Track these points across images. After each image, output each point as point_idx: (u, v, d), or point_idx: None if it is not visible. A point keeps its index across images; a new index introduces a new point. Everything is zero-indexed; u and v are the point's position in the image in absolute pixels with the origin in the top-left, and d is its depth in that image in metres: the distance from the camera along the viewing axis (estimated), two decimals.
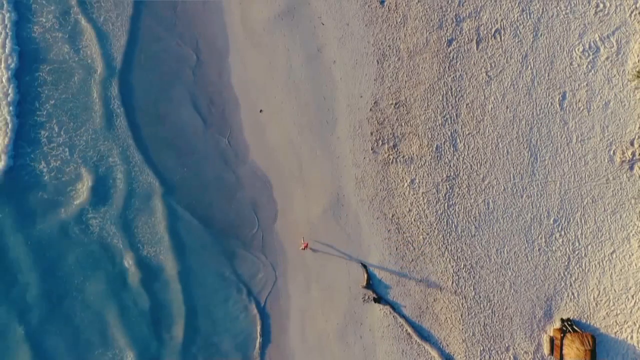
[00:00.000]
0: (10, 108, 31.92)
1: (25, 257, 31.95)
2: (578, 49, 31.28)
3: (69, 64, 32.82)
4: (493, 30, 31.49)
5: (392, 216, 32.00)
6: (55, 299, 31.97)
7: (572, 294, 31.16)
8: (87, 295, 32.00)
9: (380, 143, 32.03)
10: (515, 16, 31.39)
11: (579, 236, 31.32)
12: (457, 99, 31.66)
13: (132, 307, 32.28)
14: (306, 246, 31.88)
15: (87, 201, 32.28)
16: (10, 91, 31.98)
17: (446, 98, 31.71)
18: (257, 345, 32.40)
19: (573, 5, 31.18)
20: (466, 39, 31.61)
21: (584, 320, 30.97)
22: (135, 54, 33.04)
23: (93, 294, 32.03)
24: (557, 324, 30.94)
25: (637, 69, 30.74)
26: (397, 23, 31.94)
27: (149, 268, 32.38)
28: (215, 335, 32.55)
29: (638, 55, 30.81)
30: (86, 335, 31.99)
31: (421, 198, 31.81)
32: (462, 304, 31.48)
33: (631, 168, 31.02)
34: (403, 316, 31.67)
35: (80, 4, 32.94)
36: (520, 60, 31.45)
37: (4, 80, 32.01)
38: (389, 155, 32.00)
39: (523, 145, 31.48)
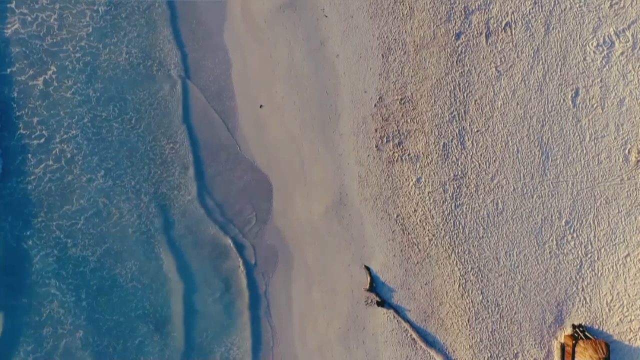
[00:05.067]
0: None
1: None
2: (592, 44, 31.12)
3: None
4: (503, 23, 31.43)
5: (397, 216, 31.84)
6: None
7: (584, 298, 30.94)
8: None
9: (385, 140, 31.87)
10: (527, 9, 31.33)
11: (591, 238, 31.11)
12: (465, 95, 31.55)
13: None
14: None
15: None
16: None
17: (454, 94, 31.62)
18: (259, 349, 32.51)
19: None
20: (475, 33, 31.55)
21: (597, 327, 30.80)
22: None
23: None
24: (569, 330, 30.72)
25: None
26: (403, 15, 31.93)
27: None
28: (214, 339, 32.65)
29: None
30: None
31: (427, 198, 31.58)
32: (469, 309, 31.31)
33: None
34: (407, 321, 31.58)
35: None
36: (532, 55, 31.33)
37: None
38: (393, 153, 31.80)
39: (534, 143, 31.34)
